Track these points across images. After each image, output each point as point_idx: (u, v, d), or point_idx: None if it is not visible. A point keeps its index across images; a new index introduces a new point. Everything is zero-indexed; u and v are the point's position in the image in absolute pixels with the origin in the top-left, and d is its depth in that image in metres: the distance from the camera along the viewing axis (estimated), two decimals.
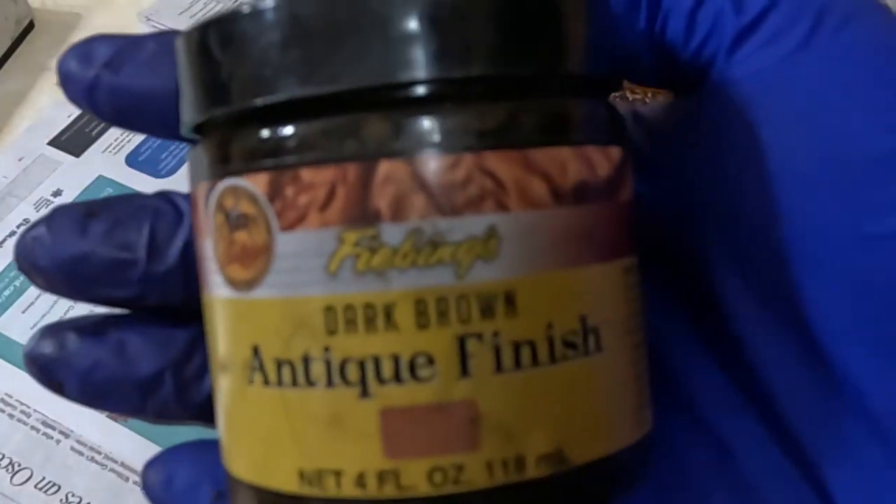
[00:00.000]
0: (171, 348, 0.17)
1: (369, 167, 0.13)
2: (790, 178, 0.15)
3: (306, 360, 0.13)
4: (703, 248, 0.17)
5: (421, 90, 0.13)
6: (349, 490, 0.13)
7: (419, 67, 0.13)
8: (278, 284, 0.13)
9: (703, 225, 0.17)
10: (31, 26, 0.54)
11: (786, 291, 0.16)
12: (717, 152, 0.16)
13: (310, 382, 0.13)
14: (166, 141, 0.42)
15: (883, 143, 0.14)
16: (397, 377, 0.13)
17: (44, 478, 0.37)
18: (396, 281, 0.13)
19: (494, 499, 0.13)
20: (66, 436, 0.38)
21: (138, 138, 0.47)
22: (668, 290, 0.18)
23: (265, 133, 0.13)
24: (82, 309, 0.34)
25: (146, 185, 0.46)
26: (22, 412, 0.38)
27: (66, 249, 0.16)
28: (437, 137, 0.13)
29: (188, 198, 0.16)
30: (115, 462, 0.37)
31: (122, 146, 0.47)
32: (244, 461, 0.14)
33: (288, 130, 0.13)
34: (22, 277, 0.40)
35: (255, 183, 0.13)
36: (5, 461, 0.37)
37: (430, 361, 0.13)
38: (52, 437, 0.38)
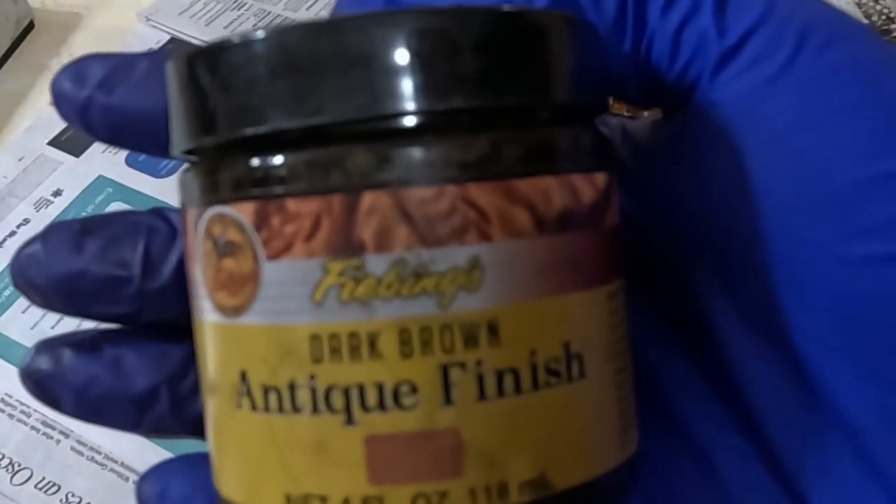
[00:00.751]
0: (167, 364, 0.17)
1: (354, 198, 0.13)
2: (772, 200, 0.15)
3: (292, 388, 0.13)
4: (689, 267, 0.17)
5: (404, 122, 0.13)
6: None
7: (402, 100, 0.13)
8: (265, 312, 0.13)
9: (688, 244, 0.17)
10: (31, 26, 0.54)
11: (769, 311, 0.16)
12: (701, 173, 0.16)
13: (296, 409, 0.13)
14: None
15: (860, 168, 0.15)
16: (381, 405, 0.13)
17: (44, 478, 0.37)
18: (380, 310, 0.13)
19: None
20: (66, 436, 0.38)
21: None
22: (655, 308, 0.18)
23: (252, 163, 0.13)
24: None
25: (146, 184, 0.46)
26: (22, 412, 0.39)
27: (62, 267, 0.17)
28: (420, 169, 0.13)
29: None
30: (115, 462, 0.37)
31: None
32: (233, 483, 0.15)
33: (274, 161, 0.13)
34: None
35: (242, 212, 0.13)
36: (5, 461, 0.37)
37: (414, 390, 0.13)
38: (52, 437, 0.38)
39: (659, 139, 0.18)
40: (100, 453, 0.38)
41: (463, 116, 0.13)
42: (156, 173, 0.46)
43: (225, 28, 0.53)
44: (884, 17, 0.47)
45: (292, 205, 0.13)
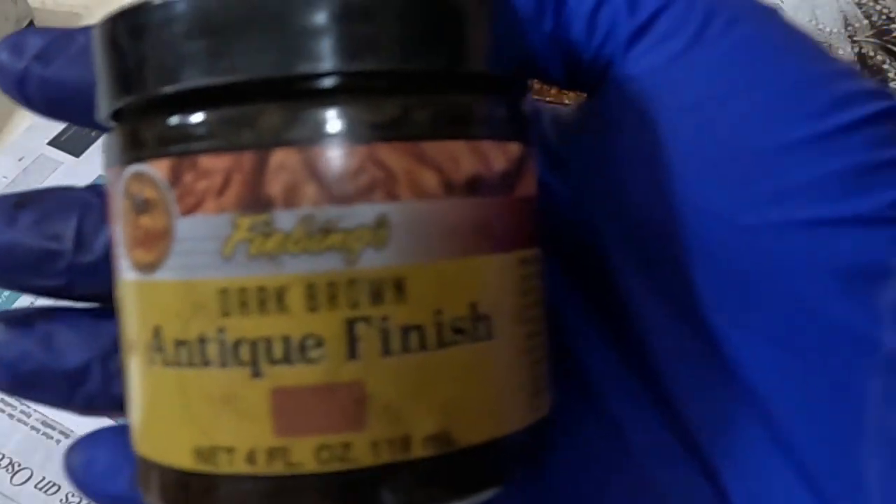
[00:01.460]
0: (99, 340, 0.18)
1: (263, 155, 0.13)
2: (680, 170, 0.16)
3: (202, 341, 0.13)
4: (605, 242, 0.18)
5: (315, 83, 0.13)
6: (240, 466, 0.13)
7: (314, 60, 0.13)
8: (178, 267, 0.14)
9: (604, 219, 0.17)
10: (30, 26, 0.54)
11: (680, 283, 0.16)
12: (616, 148, 0.17)
13: (205, 362, 0.13)
14: None
15: (758, 139, 0.15)
16: (287, 358, 0.13)
17: (44, 478, 0.37)
18: (288, 265, 0.13)
19: (379, 476, 0.13)
20: (66, 436, 0.38)
21: None
22: (577, 281, 0.19)
23: (169, 121, 0.14)
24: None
25: None
26: (22, 412, 0.39)
27: None
28: (330, 128, 0.13)
29: None
30: None
31: None
32: (147, 439, 0.15)
33: (189, 119, 0.13)
34: None
35: (158, 169, 0.14)
36: (5, 461, 0.37)
37: (320, 343, 0.13)
38: (52, 437, 0.38)
39: (580, 120, 0.18)
40: None
41: (375, 79, 0.13)
42: None
43: None
44: (884, 17, 0.47)
45: (205, 161, 0.13)
